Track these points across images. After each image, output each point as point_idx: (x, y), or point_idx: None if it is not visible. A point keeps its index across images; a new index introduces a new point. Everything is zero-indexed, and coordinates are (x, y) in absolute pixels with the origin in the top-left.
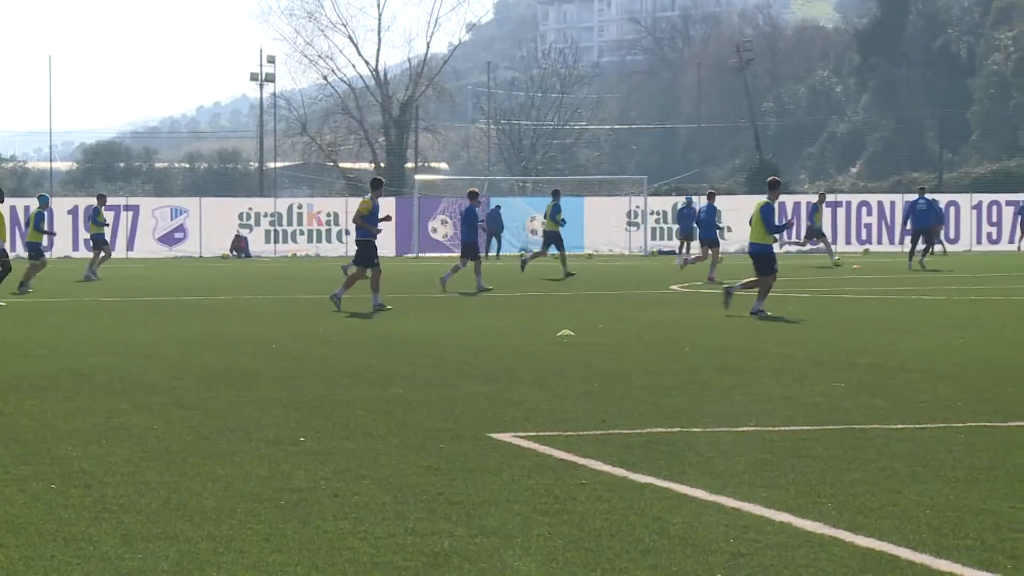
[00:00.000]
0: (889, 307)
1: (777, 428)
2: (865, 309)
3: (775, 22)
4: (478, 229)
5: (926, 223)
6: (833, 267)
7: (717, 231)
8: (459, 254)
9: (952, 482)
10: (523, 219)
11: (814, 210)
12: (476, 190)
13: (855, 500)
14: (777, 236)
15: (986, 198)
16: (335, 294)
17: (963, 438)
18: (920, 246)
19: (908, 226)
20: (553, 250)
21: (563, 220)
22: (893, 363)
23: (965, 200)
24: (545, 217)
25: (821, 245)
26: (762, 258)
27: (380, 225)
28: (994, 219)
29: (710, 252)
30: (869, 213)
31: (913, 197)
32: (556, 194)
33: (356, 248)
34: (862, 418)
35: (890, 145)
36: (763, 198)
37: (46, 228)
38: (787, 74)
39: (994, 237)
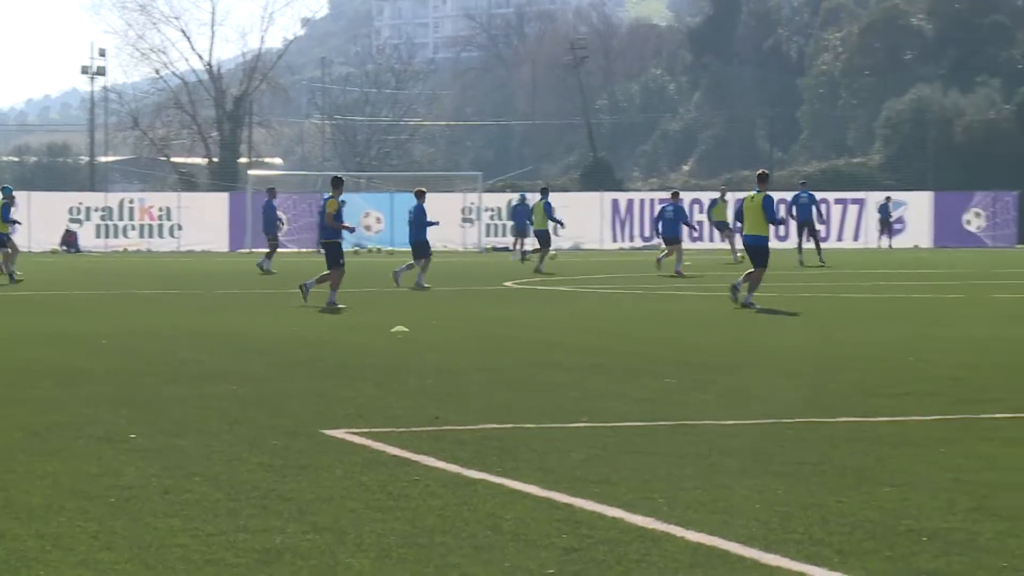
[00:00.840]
0: (720, 304)
1: (610, 424)
2: (697, 305)
3: (609, 20)
4: (427, 228)
5: (807, 216)
6: (735, 263)
7: (683, 229)
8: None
9: (781, 477)
10: (358, 215)
11: (713, 204)
12: (423, 189)
13: (686, 495)
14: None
15: (815, 196)
16: (330, 300)
17: (792, 433)
18: (807, 242)
19: (793, 217)
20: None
21: (560, 221)
22: (724, 359)
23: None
24: (531, 215)
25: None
26: (760, 250)
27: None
28: (823, 217)
29: (674, 249)
30: (701, 211)
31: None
32: (545, 192)
33: (324, 250)
34: (694, 414)
35: (722, 143)
36: (753, 192)
37: (12, 218)
38: (621, 72)
39: (823, 235)
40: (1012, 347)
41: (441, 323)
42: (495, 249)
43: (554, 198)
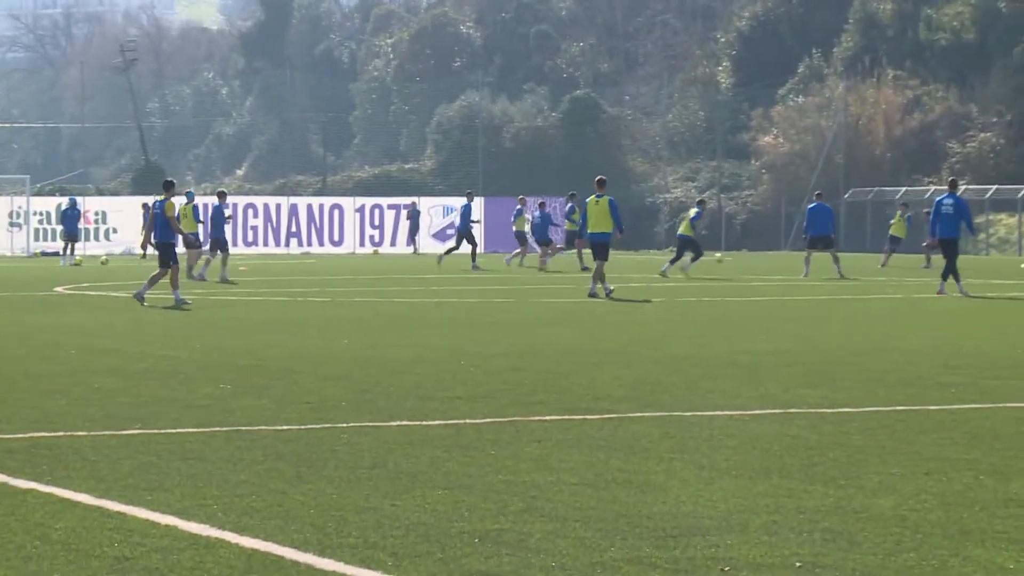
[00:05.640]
0: (275, 309)
1: (163, 431)
2: (251, 311)
3: (159, 23)
4: (224, 226)
5: (466, 226)
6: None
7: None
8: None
9: (336, 481)
10: None
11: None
12: (224, 191)
13: (241, 501)
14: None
15: (369, 201)
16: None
17: (347, 438)
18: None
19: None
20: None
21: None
22: (279, 364)
23: (348, 203)
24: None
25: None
26: (604, 246)
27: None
28: (377, 222)
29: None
30: (256, 215)
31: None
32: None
33: (159, 250)
34: (248, 419)
35: (275, 148)
36: (593, 197)
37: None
38: (172, 75)
39: (377, 240)
40: (558, 351)
41: None
42: (44, 254)
43: (104, 202)
